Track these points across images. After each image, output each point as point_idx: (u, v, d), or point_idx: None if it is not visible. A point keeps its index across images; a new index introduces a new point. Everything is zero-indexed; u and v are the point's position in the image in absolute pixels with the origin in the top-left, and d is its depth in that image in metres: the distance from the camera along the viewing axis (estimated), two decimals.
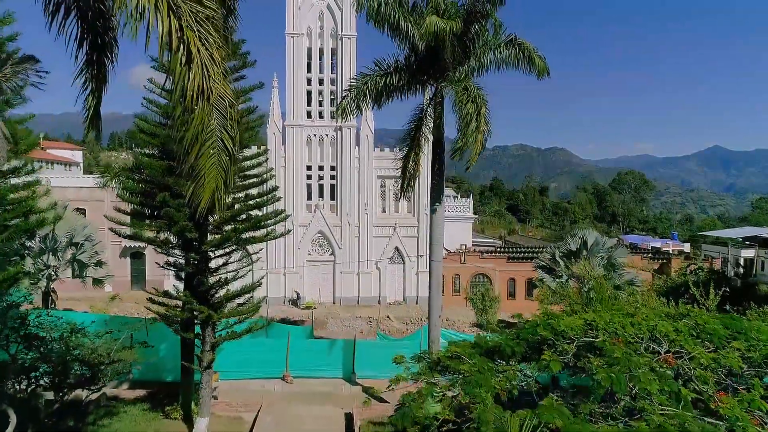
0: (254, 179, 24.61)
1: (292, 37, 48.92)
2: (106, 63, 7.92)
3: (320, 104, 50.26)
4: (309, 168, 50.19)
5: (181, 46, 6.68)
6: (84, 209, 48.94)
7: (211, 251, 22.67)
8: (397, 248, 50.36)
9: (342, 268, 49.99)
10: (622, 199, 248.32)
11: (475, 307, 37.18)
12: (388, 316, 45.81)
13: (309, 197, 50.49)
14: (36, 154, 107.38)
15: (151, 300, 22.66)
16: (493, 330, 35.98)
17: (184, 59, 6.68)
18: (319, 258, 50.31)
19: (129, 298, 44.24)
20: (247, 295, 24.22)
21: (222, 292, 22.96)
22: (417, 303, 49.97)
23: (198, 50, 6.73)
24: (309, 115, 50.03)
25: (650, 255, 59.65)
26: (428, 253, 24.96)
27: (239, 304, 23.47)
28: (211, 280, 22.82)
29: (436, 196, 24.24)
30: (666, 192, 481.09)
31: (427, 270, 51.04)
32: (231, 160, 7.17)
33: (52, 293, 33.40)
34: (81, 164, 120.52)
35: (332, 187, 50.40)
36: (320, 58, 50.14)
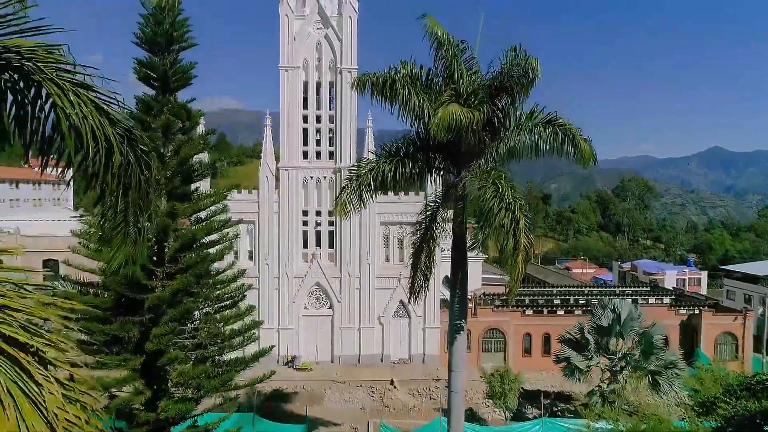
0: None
1: (287, 70, 44.50)
2: None
3: (317, 143, 45.85)
4: (305, 213, 45.80)
5: None
6: (57, 261, 44.45)
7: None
8: (402, 302, 45.94)
9: (341, 323, 45.60)
10: (626, 206, 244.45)
11: (492, 390, 32.79)
12: (392, 383, 41.41)
13: (305, 245, 46.08)
14: (23, 173, 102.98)
15: None
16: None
17: None
18: (317, 312, 45.90)
19: None
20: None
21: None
22: (424, 362, 45.61)
23: None
24: (305, 155, 45.63)
25: (675, 301, 55.28)
26: (447, 379, 20.54)
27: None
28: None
29: (460, 313, 19.81)
30: (666, 193, 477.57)
31: (435, 325, 47.07)
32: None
33: None
34: (72, 182, 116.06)
35: (331, 234, 46.00)
36: (317, 93, 45.71)
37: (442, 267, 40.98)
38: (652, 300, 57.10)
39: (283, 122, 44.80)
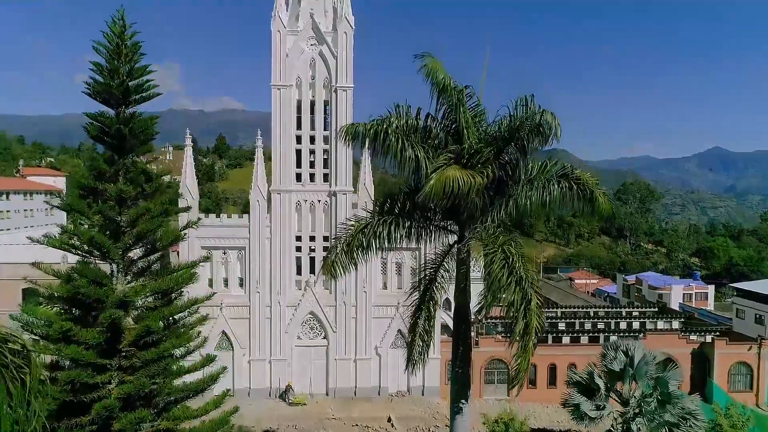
0: None
1: (279, 89, 42.33)
2: None
3: (312, 165, 43.67)
4: (299, 239, 43.62)
5: None
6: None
7: None
8: (400, 330, 43.83)
9: (336, 354, 43.43)
10: (628, 210, 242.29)
11: None
12: (390, 420, 39.27)
13: (299, 272, 43.90)
14: (14, 183, 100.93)
15: None
16: None
17: None
18: (311, 343, 43.72)
19: None
20: None
21: None
22: (423, 394, 43.49)
23: None
24: (299, 178, 43.44)
25: (684, 325, 53.11)
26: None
27: None
28: None
29: (460, 392, 17.63)
30: (666, 194, 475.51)
31: (435, 356, 44.84)
32: None
33: None
34: (64, 191, 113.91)
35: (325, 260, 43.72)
36: (312, 113, 43.53)
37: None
38: (660, 323, 55.00)
39: (275, 143, 42.65)
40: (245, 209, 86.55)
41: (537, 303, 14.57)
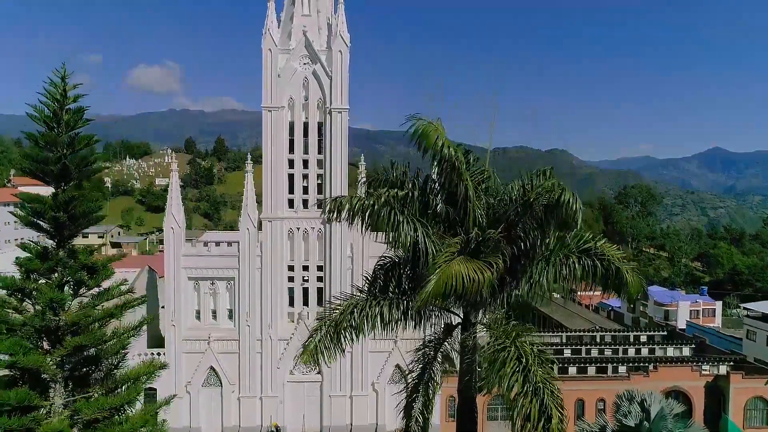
0: None
1: (270, 111, 40.01)
2: None
3: (305, 191, 41.35)
4: (291, 268, 41.30)
5: None
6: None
7: None
8: (398, 365, 41.57)
9: (331, 390, 41.13)
10: (629, 214, 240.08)
11: None
12: None
13: (291, 303, 41.61)
14: (3, 194, 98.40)
15: None
16: None
17: None
18: (304, 378, 41.40)
19: None
20: None
21: None
22: None
23: None
24: (291, 204, 41.13)
25: (696, 353, 50.83)
26: None
27: None
28: None
29: None
30: (667, 194, 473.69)
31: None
32: None
33: None
34: None
35: (320, 291, 41.48)
36: (305, 135, 41.20)
37: None
38: (670, 350, 52.72)
39: (266, 168, 40.32)
40: None
41: (559, 418, 12.25)
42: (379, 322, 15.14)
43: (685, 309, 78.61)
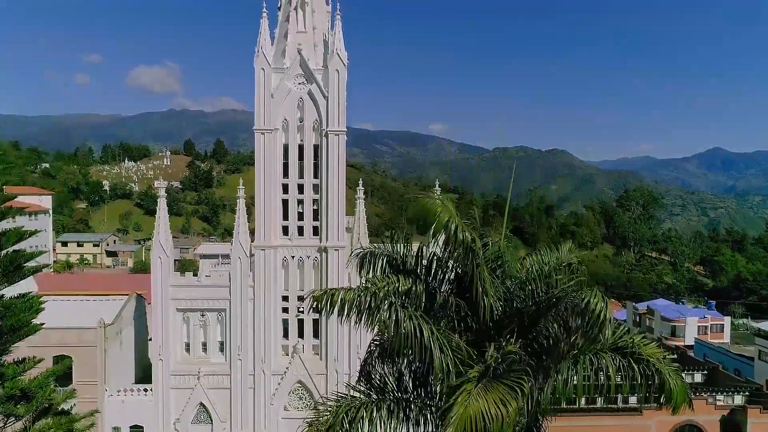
0: None
1: (263, 133, 37.90)
2: None
3: (300, 217, 39.22)
4: (285, 299, 39.20)
5: None
6: (69, 357, 37.23)
7: None
8: None
9: None
10: (631, 217, 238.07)
11: None
12: None
13: (286, 336, 39.50)
14: None
15: None
16: None
17: None
18: (299, 414, 39.10)
19: None
20: None
21: None
22: None
23: None
24: (285, 231, 39.00)
25: (708, 381, 48.80)
26: None
27: None
28: None
29: None
30: (667, 194, 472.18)
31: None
32: None
33: None
34: (50, 210, 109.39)
35: (315, 323, 39.37)
36: (300, 158, 39.07)
37: None
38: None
39: (259, 193, 38.21)
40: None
41: None
42: (378, 425, 13.02)
43: (693, 325, 76.69)
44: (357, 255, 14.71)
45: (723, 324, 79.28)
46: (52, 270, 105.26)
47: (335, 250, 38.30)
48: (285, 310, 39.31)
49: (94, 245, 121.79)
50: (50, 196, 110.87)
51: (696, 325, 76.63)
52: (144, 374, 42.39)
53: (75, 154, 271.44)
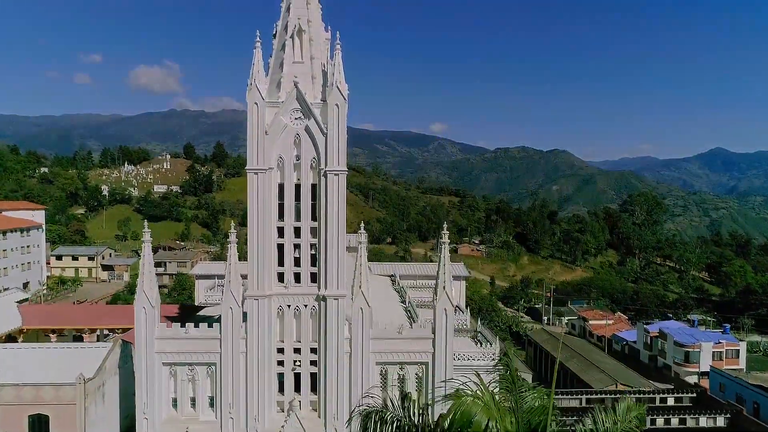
0: None
1: (257, 173, 34.88)
2: None
3: (296, 263, 36.22)
4: (280, 351, 36.22)
5: None
6: (47, 417, 34.95)
7: None
8: None
9: None
10: (635, 222, 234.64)
11: None
12: None
13: (281, 390, 36.52)
14: None
15: None
16: None
17: None
18: None
19: None
20: None
21: None
22: None
23: None
24: (281, 278, 36.01)
25: (731, 425, 45.90)
26: None
27: None
28: None
29: None
30: (668, 195, 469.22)
31: None
32: None
33: None
34: (44, 225, 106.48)
35: (313, 377, 36.37)
36: (296, 199, 36.04)
37: None
38: (703, 420, 47.80)
39: (252, 238, 35.17)
40: (243, 222, 78.85)
41: None
42: None
43: (708, 351, 73.87)
44: (361, 414, 11.78)
45: (738, 350, 76.41)
46: (45, 286, 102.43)
47: (335, 299, 35.30)
48: (280, 363, 36.35)
49: (89, 259, 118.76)
50: (43, 211, 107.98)
51: (711, 351, 73.79)
52: (131, 425, 39.47)
53: (74, 158, 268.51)
